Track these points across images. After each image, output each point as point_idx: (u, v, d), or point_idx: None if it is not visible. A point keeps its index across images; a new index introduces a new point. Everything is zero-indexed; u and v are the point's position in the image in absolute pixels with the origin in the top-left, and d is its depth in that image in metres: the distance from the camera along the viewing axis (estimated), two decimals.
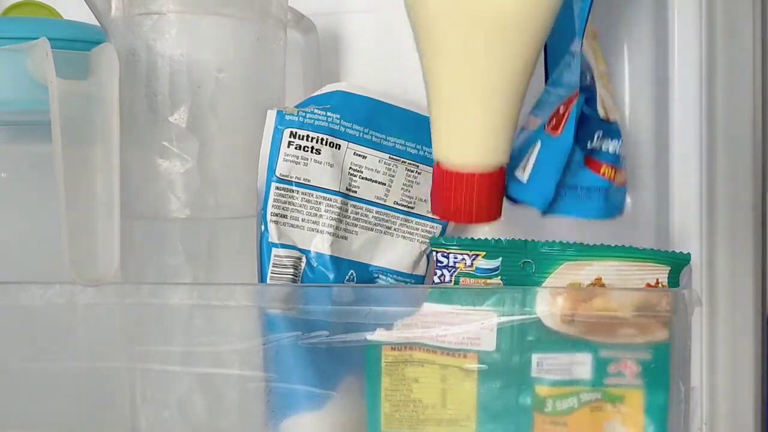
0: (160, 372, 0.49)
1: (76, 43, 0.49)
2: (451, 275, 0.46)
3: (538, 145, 0.46)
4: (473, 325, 0.44)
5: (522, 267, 0.46)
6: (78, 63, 0.47)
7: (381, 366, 0.46)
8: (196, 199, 0.49)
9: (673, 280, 0.46)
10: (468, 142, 0.43)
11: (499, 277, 0.46)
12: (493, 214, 0.44)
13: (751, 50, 0.53)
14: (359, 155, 0.50)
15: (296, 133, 0.48)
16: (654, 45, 0.55)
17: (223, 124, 0.49)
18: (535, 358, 0.45)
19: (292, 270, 0.48)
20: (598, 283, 0.45)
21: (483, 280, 0.46)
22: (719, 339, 0.53)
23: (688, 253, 0.46)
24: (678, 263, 0.46)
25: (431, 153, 0.49)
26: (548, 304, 0.44)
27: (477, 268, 0.46)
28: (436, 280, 0.46)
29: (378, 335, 0.45)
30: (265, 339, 0.47)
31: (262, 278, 0.48)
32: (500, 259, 0.46)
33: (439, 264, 0.46)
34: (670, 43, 0.52)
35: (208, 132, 0.49)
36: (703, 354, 0.52)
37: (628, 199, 0.56)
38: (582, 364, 0.45)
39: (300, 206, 0.49)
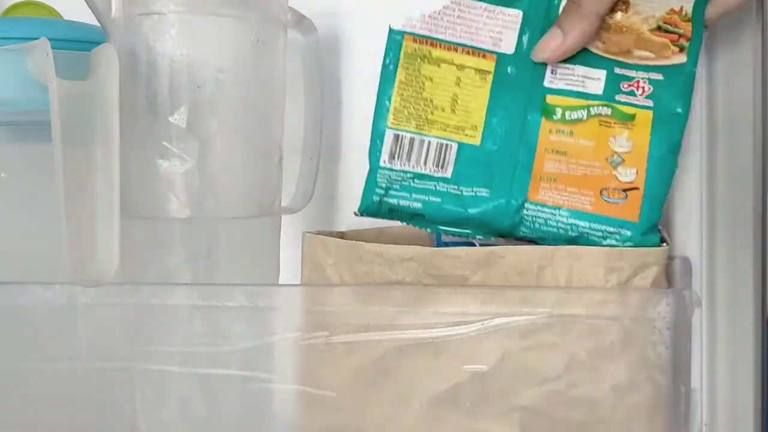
0: (160, 372, 0.49)
1: (76, 43, 0.49)
2: None
3: None
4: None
5: None
6: (78, 63, 0.47)
7: (400, 57, 0.47)
8: (196, 199, 0.49)
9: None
10: None
11: None
12: None
13: (751, 50, 0.53)
14: None
15: None
16: None
17: (223, 124, 0.49)
18: (549, 66, 0.47)
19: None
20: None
21: None
22: (719, 339, 0.53)
23: None
24: None
25: None
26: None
27: None
28: None
29: (403, 25, 0.47)
30: (265, 339, 0.47)
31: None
32: None
33: None
34: None
35: (208, 132, 0.49)
36: (703, 354, 0.52)
37: None
38: (596, 80, 0.46)
39: None
